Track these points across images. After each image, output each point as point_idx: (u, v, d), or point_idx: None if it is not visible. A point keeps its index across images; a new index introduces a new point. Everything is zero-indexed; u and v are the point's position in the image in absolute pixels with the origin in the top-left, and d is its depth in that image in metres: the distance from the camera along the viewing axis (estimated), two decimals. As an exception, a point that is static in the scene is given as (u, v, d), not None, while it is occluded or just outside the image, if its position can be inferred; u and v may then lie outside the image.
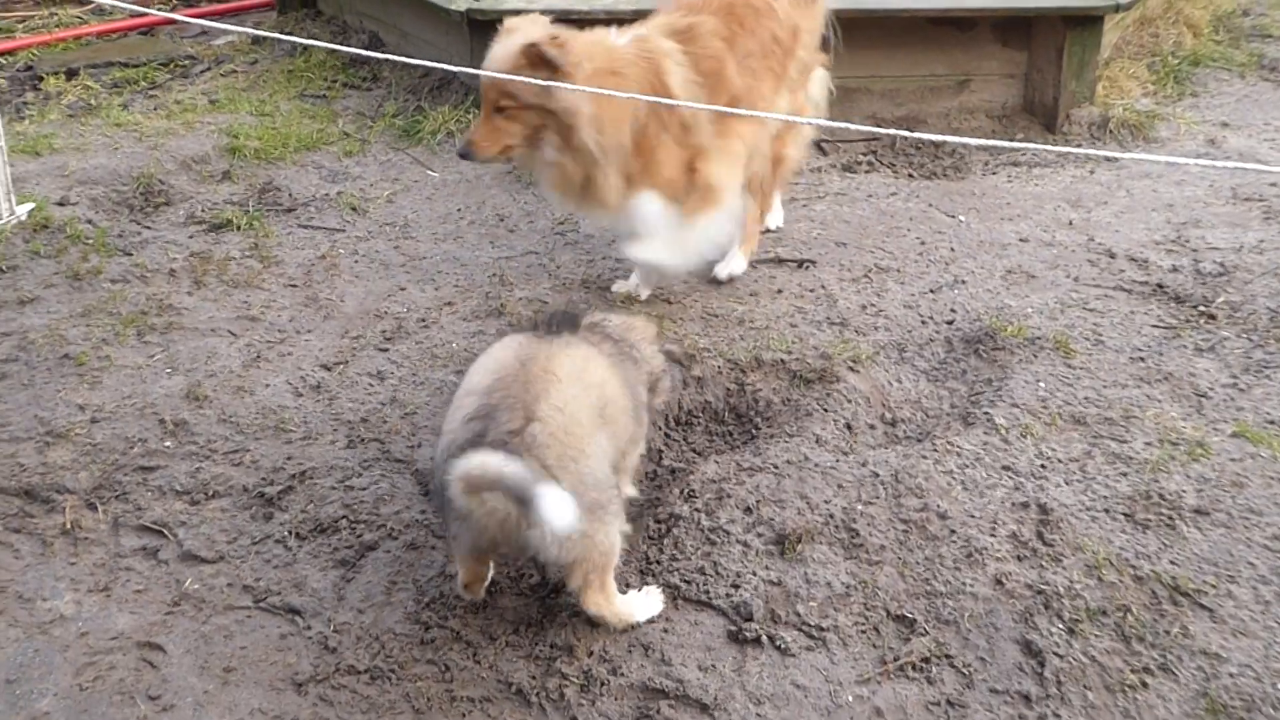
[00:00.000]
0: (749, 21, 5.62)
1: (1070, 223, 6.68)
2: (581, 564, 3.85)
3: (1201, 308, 5.78)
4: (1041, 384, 5.17)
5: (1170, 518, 4.46)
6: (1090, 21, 7.69)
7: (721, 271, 6.02)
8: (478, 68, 7.25)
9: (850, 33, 7.67)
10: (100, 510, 4.57)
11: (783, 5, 5.76)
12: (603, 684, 3.88)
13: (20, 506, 4.58)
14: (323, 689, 3.91)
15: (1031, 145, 5.86)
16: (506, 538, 3.74)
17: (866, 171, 7.36)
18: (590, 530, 3.76)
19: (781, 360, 5.31)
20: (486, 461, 3.53)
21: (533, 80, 5.01)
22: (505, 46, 5.21)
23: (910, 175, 7.34)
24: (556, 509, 3.51)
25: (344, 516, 4.54)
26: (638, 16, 7.28)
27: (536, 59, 5.07)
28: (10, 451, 4.81)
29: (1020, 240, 6.49)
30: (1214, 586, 4.19)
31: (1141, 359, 5.38)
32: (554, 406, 3.74)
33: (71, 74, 8.78)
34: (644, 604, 4.10)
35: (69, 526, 4.50)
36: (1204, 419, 4.99)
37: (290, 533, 4.49)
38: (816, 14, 6.09)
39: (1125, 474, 4.67)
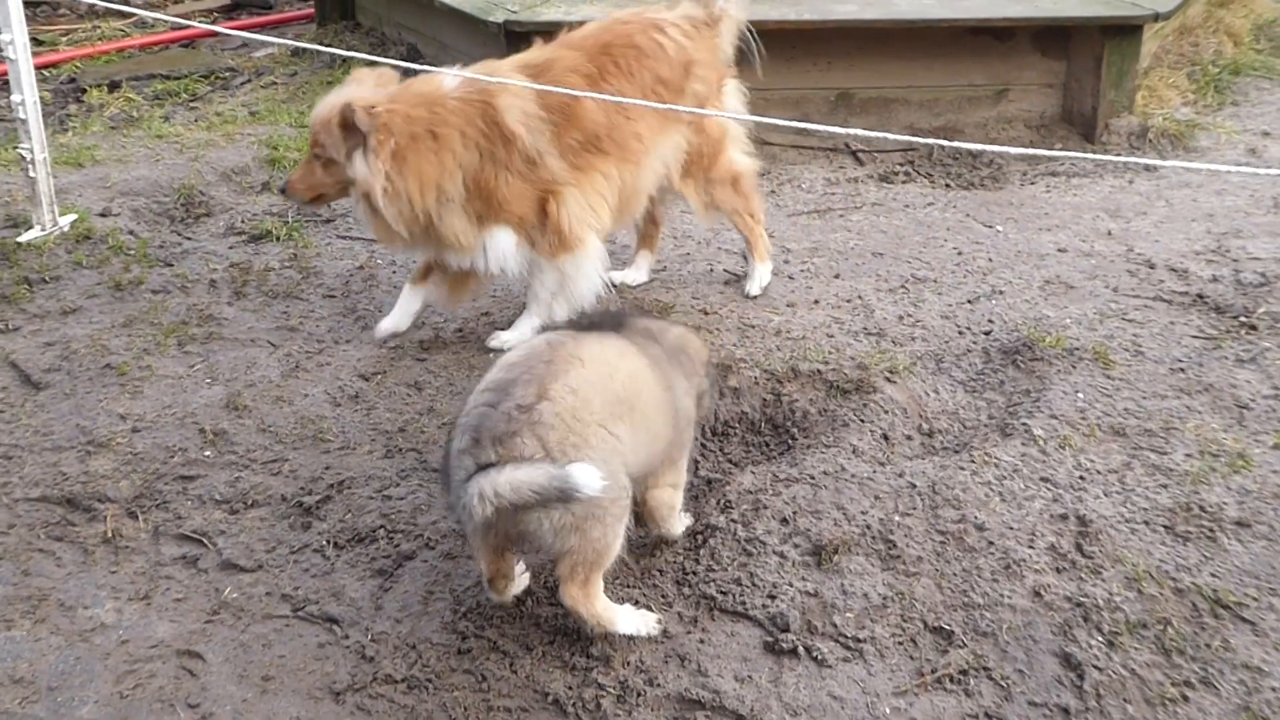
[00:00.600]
0: (628, 62, 5.48)
1: (1109, 233, 6.64)
2: (571, 555, 3.84)
3: (1242, 318, 5.74)
4: (1080, 395, 5.14)
5: (1211, 530, 4.42)
6: (1129, 31, 7.65)
7: (752, 288, 6.00)
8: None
9: (888, 43, 7.71)
10: (141, 519, 4.61)
11: (674, 43, 5.61)
12: (639, 694, 3.88)
13: (63, 515, 4.62)
14: (360, 698, 3.93)
15: (1068, 154, 5.87)
16: (505, 525, 3.76)
17: (904, 181, 7.34)
18: (584, 524, 3.76)
19: (818, 370, 5.30)
20: (515, 481, 3.53)
21: (334, 144, 5.12)
22: (334, 97, 5.21)
23: (947, 185, 7.32)
24: (591, 480, 3.53)
25: (381, 526, 4.56)
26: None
27: (346, 122, 5.05)
28: (53, 460, 4.86)
29: (1059, 250, 6.46)
30: (1255, 599, 4.16)
31: (1182, 370, 5.35)
32: (568, 388, 3.74)
33: (114, 86, 8.87)
34: (630, 618, 4.08)
35: (110, 535, 4.53)
36: (1245, 430, 4.95)
37: (328, 542, 4.51)
38: (716, 42, 5.89)
39: (1165, 485, 4.63)
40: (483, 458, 3.62)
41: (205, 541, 4.52)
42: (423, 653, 4.07)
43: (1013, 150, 4.83)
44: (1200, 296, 5.94)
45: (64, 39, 10.16)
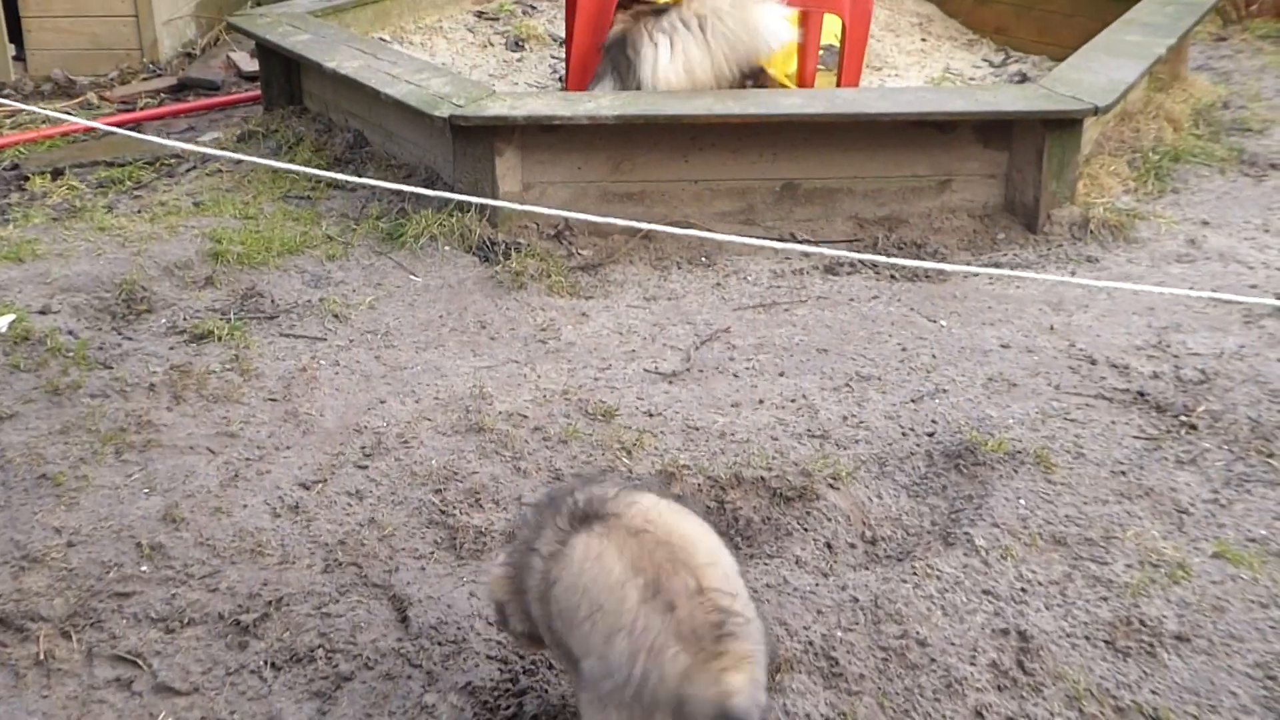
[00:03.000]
0: None
1: (1051, 327, 6.69)
2: None
3: (1183, 417, 5.78)
4: (1022, 501, 5.16)
5: (1151, 644, 4.43)
6: (1069, 124, 7.74)
7: None
8: (460, 169, 7.35)
9: (832, 135, 7.79)
10: (74, 639, 4.53)
11: None
12: (578, 826, 3.85)
13: (-6, 635, 4.54)
14: (295, 831, 3.87)
15: (1000, 271, 5.89)
16: None
17: (849, 273, 7.37)
18: None
19: (762, 477, 5.29)
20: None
21: None
22: None
23: (892, 277, 7.36)
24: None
25: (320, 645, 4.50)
26: (620, 123, 7.40)
27: None
28: (-15, 576, 4.79)
29: (1002, 346, 6.49)
30: (1195, 717, 4.16)
31: (1123, 473, 5.37)
32: (707, 551, 3.55)
33: (57, 174, 8.80)
34: None
35: (42, 657, 4.45)
36: (1185, 537, 4.98)
37: (265, 663, 4.45)
38: None
39: (1106, 598, 4.64)
40: (725, 677, 3.27)
41: (140, 663, 4.45)
42: (360, 781, 4.02)
43: (948, 267, 4.85)
44: (1141, 394, 5.99)
45: (8, 122, 10.08)
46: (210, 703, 4.30)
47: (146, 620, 4.62)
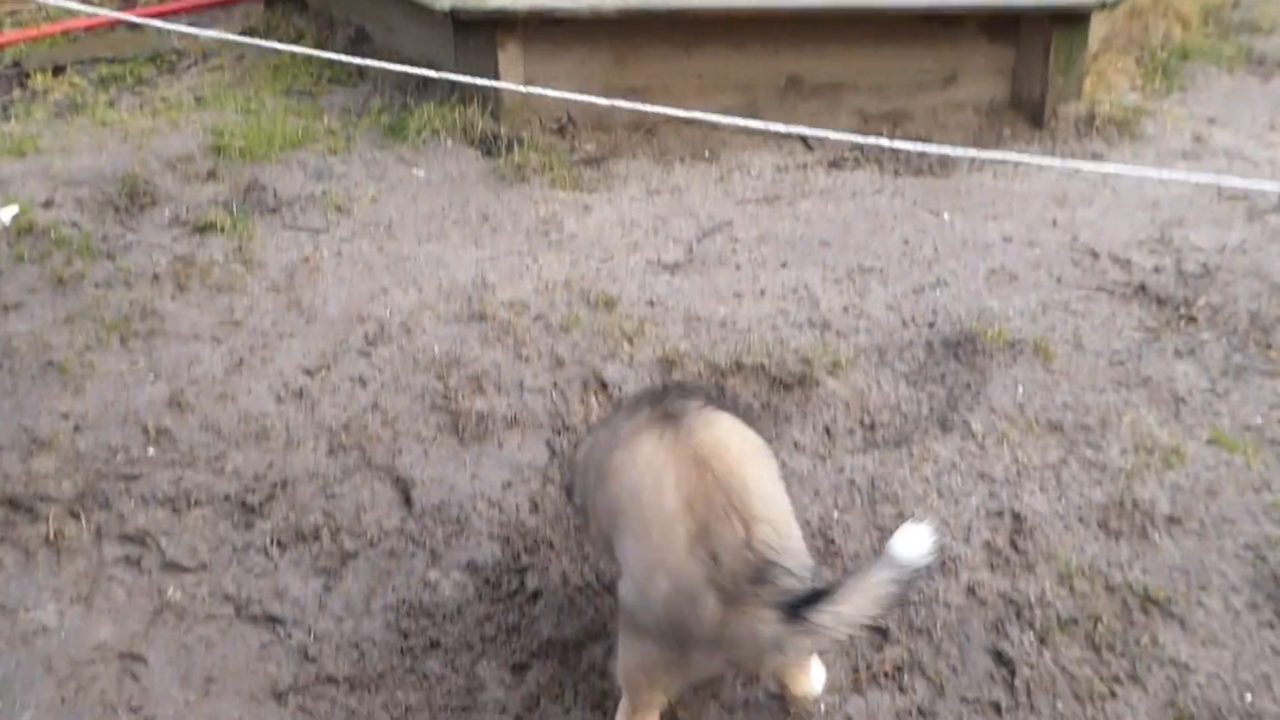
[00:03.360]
0: None
1: (1054, 221, 6.69)
2: (807, 654, 3.71)
3: (1183, 310, 5.80)
4: (1020, 388, 5.20)
5: (1143, 526, 4.49)
6: (1077, 19, 7.68)
7: None
8: (462, 64, 7.31)
9: (838, 29, 7.72)
10: (83, 519, 4.60)
11: None
12: (575, 691, 3.93)
13: (4, 516, 4.61)
14: (303, 699, 3.96)
15: (1011, 155, 5.89)
16: (756, 660, 3.52)
17: (853, 168, 7.36)
18: None
19: (762, 365, 5.33)
20: (860, 604, 3.22)
21: None
22: None
23: (896, 172, 7.34)
24: (923, 544, 3.26)
25: (325, 524, 4.57)
26: (622, 15, 7.35)
27: None
28: (-6, 459, 4.85)
29: (1004, 239, 6.50)
30: (1184, 596, 4.23)
31: (1121, 363, 5.41)
32: (763, 500, 3.47)
33: (59, 71, 8.77)
34: (819, 675, 3.94)
35: (52, 536, 4.53)
36: (1180, 425, 5.02)
37: (271, 541, 4.52)
38: None
39: (1099, 482, 4.70)
40: (765, 623, 3.26)
41: (148, 541, 4.52)
42: (365, 652, 4.10)
43: (953, 150, 4.85)
44: (1142, 287, 6.00)
45: (9, 19, 10.02)
46: (217, 579, 4.38)
47: (154, 501, 4.69)
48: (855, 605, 3.21)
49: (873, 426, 5.10)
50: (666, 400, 3.75)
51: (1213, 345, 5.53)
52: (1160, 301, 5.89)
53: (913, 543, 3.24)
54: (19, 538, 4.53)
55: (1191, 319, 5.73)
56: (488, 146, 7.40)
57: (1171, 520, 4.52)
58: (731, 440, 3.63)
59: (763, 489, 3.52)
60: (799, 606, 3.20)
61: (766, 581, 3.26)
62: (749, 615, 3.26)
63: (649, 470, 3.55)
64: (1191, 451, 4.85)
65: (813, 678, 3.89)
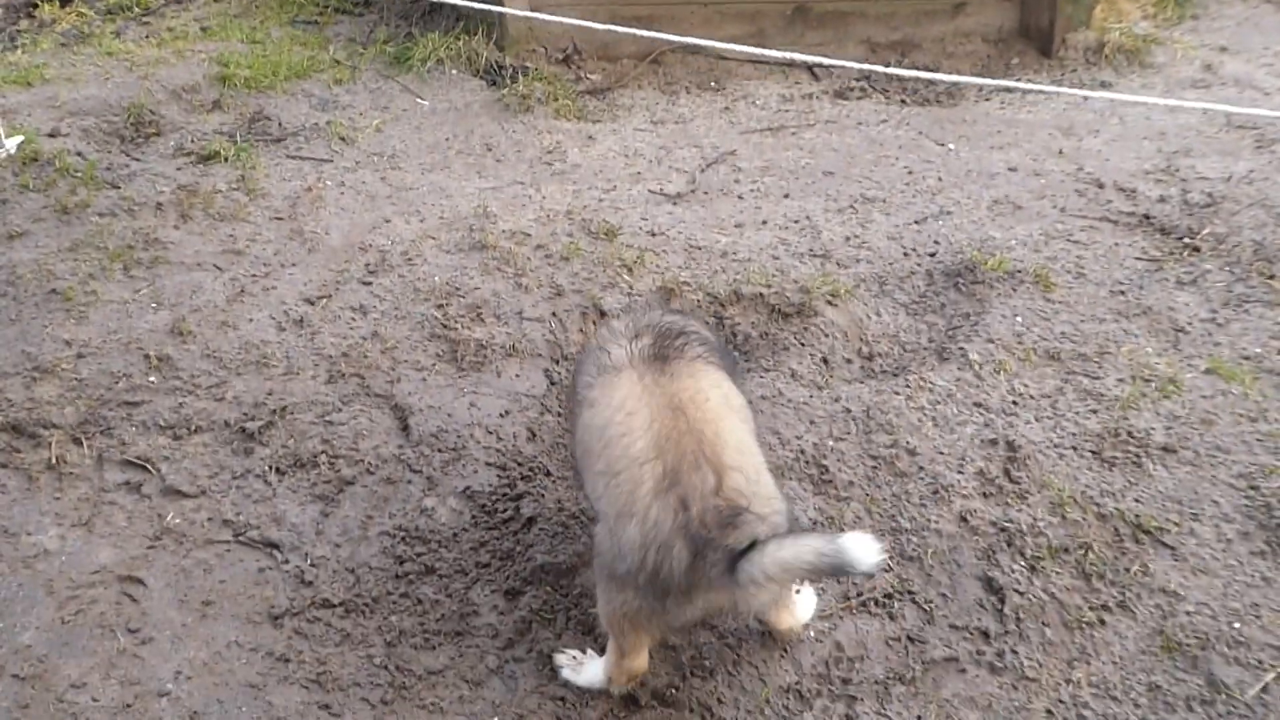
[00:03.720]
0: None
1: (1060, 151, 6.65)
2: (786, 594, 3.75)
3: (1186, 240, 5.78)
4: (1019, 318, 5.19)
5: (1137, 455, 4.50)
6: (1087, -55, 7.60)
7: None
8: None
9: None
10: (85, 445, 4.64)
11: None
12: (567, 616, 3.98)
13: (7, 442, 4.65)
14: (298, 622, 4.01)
15: (1019, 85, 5.84)
16: (733, 604, 3.49)
17: (859, 98, 7.32)
18: None
19: (761, 294, 5.33)
20: (785, 562, 3.19)
21: None
22: None
23: (902, 101, 7.30)
24: (869, 554, 3.16)
25: (323, 452, 4.61)
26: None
27: None
28: (-2, 386, 4.89)
29: (1009, 169, 6.47)
30: (1177, 525, 4.24)
31: (1122, 292, 5.39)
32: (736, 450, 3.47)
33: (65, 1, 8.74)
34: (807, 603, 4.02)
35: (54, 461, 4.57)
36: (1179, 354, 5.01)
37: (270, 468, 4.56)
38: None
39: (1095, 411, 4.70)
40: (715, 568, 3.27)
41: (148, 467, 4.56)
42: (361, 577, 4.14)
43: (964, 79, 4.81)
44: (1146, 217, 5.97)
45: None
46: (216, 504, 4.42)
47: (155, 428, 4.73)
48: (774, 559, 3.18)
49: (870, 356, 5.11)
50: (661, 341, 3.73)
51: (1215, 275, 5.50)
52: (1164, 231, 5.86)
53: (862, 548, 3.16)
54: (22, 463, 4.57)
55: (1195, 249, 5.70)
56: (492, 77, 7.37)
57: (1166, 449, 4.52)
58: (711, 392, 3.61)
59: (737, 440, 3.50)
60: (737, 559, 3.21)
61: (735, 527, 3.28)
62: (711, 568, 3.27)
63: (621, 411, 3.54)
64: (1189, 381, 4.85)
65: (799, 609, 3.93)
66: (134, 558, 4.22)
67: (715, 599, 3.40)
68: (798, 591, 3.97)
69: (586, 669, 3.79)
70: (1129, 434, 4.58)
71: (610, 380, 3.66)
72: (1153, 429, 4.61)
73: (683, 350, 3.70)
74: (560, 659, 3.87)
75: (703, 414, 3.48)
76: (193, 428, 4.73)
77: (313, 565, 4.19)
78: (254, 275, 5.53)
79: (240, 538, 4.31)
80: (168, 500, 4.45)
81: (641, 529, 3.34)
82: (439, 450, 4.62)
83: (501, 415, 4.78)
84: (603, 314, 5.24)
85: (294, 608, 4.05)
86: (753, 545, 3.20)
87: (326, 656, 3.91)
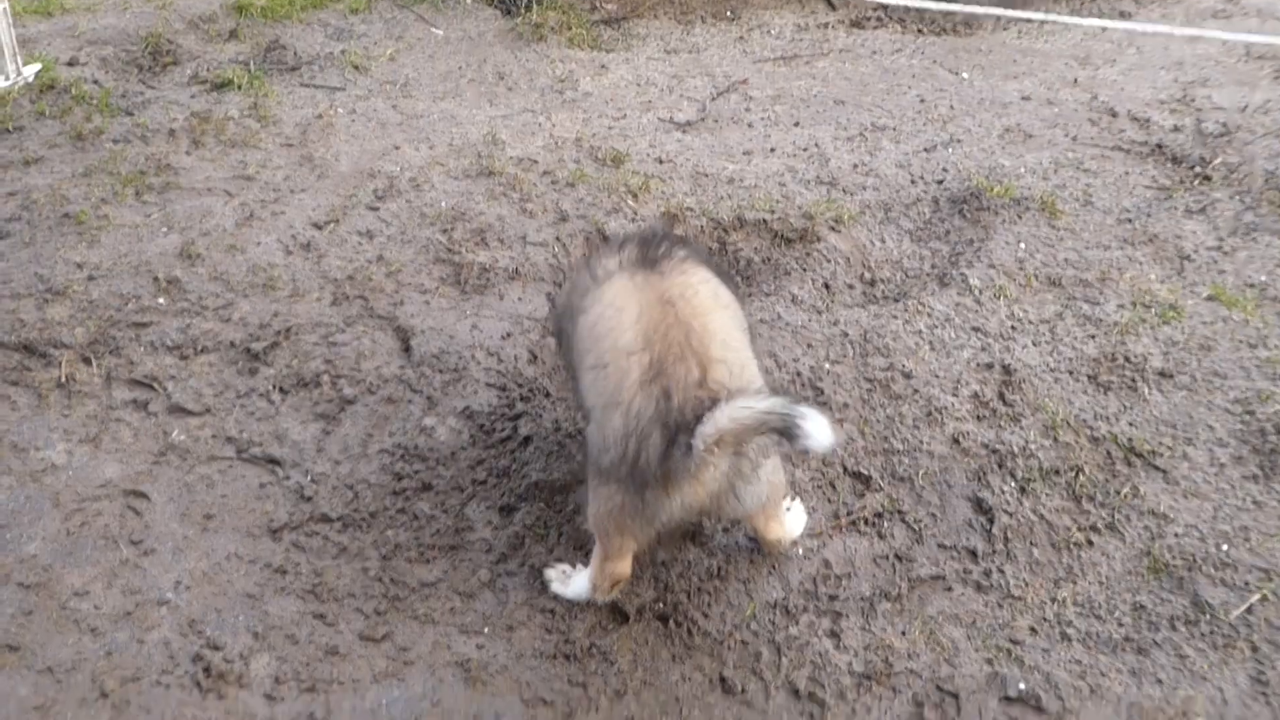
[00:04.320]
0: None
1: (1075, 81, 6.60)
2: (767, 504, 3.73)
3: (1198, 169, 5.74)
4: (1022, 245, 5.19)
5: (1133, 380, 4.50)
6: None
7: None
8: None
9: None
10: (94, 364, 4.72)
11: None
12: (560, 532, 4.04)
13: (19, 360, 4.74)
14: (297, 535, 4.08)
15: (1036, 15, 5.80)
16: (712, 503, 3.52)
17: (875, 27, 7.27)
18: (771, 470, 3.65)
19: (764, 220, 5.35)
20: (735, 413, 3.23)
21: None
22: None
23: (919, 31, 7.25)
24: (822, 432, 3.19)
25: (326, 371, 4.67)
26: None
27: None
28: (11, 307, 4.96)
29: (1022, 98, 6.43)
30: (1170, 449, 4.25)
31: (1129, 220, 5.37)
32: (723, 344, 3.50)
33: (86, -70, 8.77)
34: (797, 518, 4.06)
35: (63, 380, 4.65)
36: (1182, 281, 5.00)
37: (274, 387, 4.63)
38: None
39: (1094, 336, 4.70)
40: (680, 449, 3.31)
41: (155, 386, 4.64)
42: (360, 493, 4.21)
43: (981, 9, 4.78)
44: (1159, 146, 5.93)
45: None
46: (221, 422, 4.50)
47: (162, 348, 4.80)
48: (726, 412, 3.22)
49: (872, 282, 5.12)
50: (651, 245, 3.77)
51: (1225, 204, 5.47)
52: (1176, 160, 5.82)
53: (817, 425, 3.18)
54: (32, 381, 4.66)
55: (1206, 178, 5.67)
56: (506, 6, 7.37)
57: (1163, 375, 4.53)
58: (701, 288, 3.65)
59: (725, 334, 3.54)
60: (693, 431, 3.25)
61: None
62: (677, 450, 3.31)
63: (612, 307, 3.60)
64: (1190, 307, 4.84)
65: (789, 523, 3.97)
66: (139, 473, 4.30)
67: (693, 493, 3.43)
68: (788, 508, 4.02)
69: (574, 581, 3.86)
70: (1126, 359, 4.58)
71: (603, 284, 3.71)
72: (1150, 354, 4.61)
73: (670, 252, 3.74)
74: (550, 573, 3.93)
75: (692, 308, 3.52)
76: (199, 348, 4.80)
77: (313, 481, 4.27)
78: (263, 200, 5.58)
79: (243, 454, 4.39)
80: (173, 418, 4.53)
81: (625, 419, 3.40)
82: (440, 371, 4.68)
83: (503, 337, 4.82)
84: (605, 239, 5.27)
85: (293, 522, 4.13)
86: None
87: (323, 569, 3.99)
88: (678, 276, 3.64)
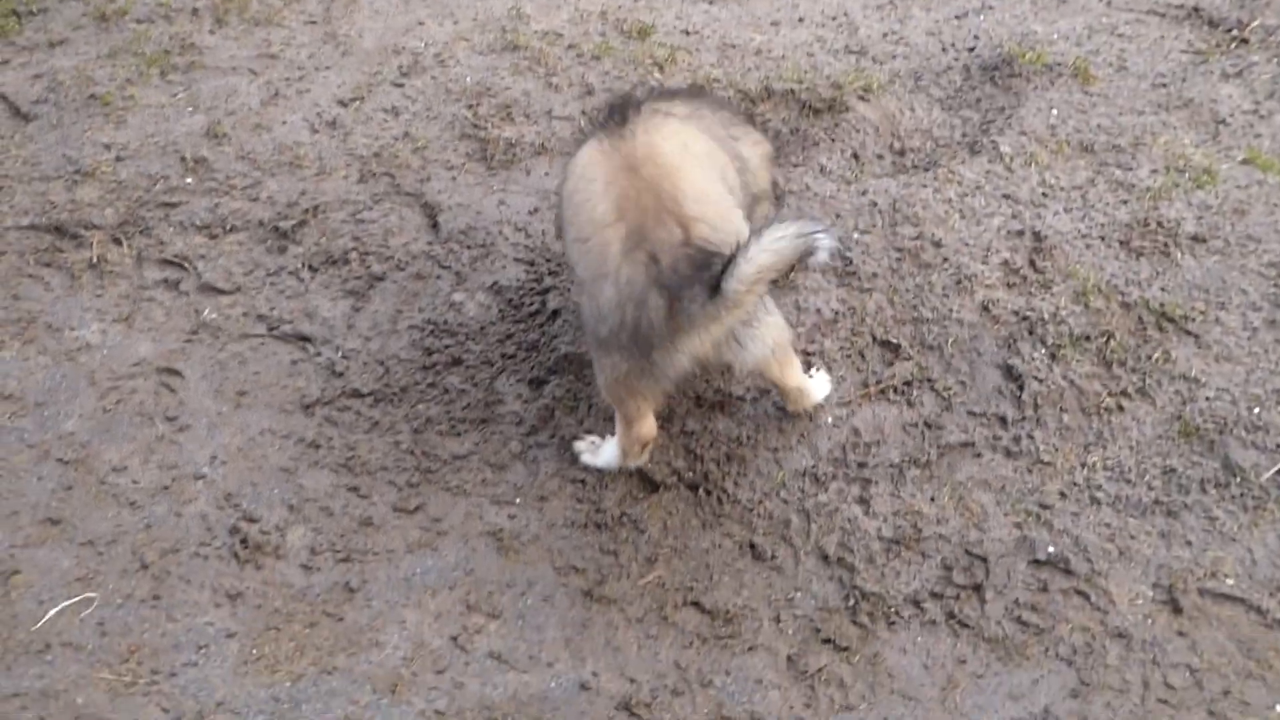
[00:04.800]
0: None
1: (1111, -57, 6.44)
2: (776, 350, 3.68)
3: (1235, 32, 5.61)
4: (1054, 111, 5.11)
5: (1166, 245, 4.46)
6: None
7: None
8: None
9: None
10: (125, 245, 4.75)
11: None
12: (589, 404, 4.07)
13: (51, 242, 4.77)
14: (328, 410, 4.13)
15: None
16: (717, 353, 3.53)
17: (908, -108, 7.10)
18: (771, 313, 3.63)
19: (792, 90, 5.28)
20: (770, 244, 3.21)
21: None
22: None
23: (955, -106, 7.07)
24: (832, 239, 3.28)
25: (354, 249, 4.68)
26: None
27: None
28: (42, 190, 4.98)
29: (1057, -38, 6.28)
30: (1202, 313, 4.23)
31: (1164, 85, 5.28)
32: (697, 200, 3.49)
33: None
34: (821, 384, 4.06)
35: (95, 261, 4.69)
36: (1217, 145, 4.92)
37: (303, 265, 4.65)
38: None
39: (1126, 201, 4.65)
40: (695, 302, 3.33)
41: (186, 265, 4.67)
42: (390, 368, 4.25)
43: None
44: (1195, 10, 5.80)
45: None
46: (251, 300, 4.53)
47: (191, 227, 4.82)
48: (764, 247, 3.23)
49: (902, 151, 5.07)
50: (618, 106, 3.75)
51: (1262, 67, 5.36)
52: (1213, 24, 5.70)
53: (830, 239, 3.28)
54: (65, 262, 4.69)
55: (1243, 40, 5.55)
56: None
57: (1196, 239, 4.48)
58: (667, 145, 3.62)
59: (696, 189, 3.52)
60: (718, 282, 3.27)
61: (710, 269, 3.31)
62: (690, 304, 3.34)
63: (583, 179, 3.61)
64: (1224, 171, 4.77)
65: (812, 385, 3.98)
66: (172, 351, 4.35)
67: (700, 343, 3.45)
68: (812, 376, 4.03)
69: (604, 450, 3.90)
70: (1159, 224, 4.54)
71: (575, 155, 3.75)
72: (1183, 218, 4.56)
73: (639, 108, 3.73)
74: (579, 445, 3.97)
75: (658, 169, 3.52)
76: (228, 227, 4.82)
77: (343, 357, 4.30)
78: (288, 79, 5.55)
79: (274, 332, 4.42)
80: (204, 296, 4.56)
81: (616, 288, 3.41)
82: (467, 247, 4.68)
83: (530, 212, 4.81)
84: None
85: (325, 397, 4.18)
86: (730, 262, 3.25)
87: (355, 443, 4.04)
88: (642, 137, 3.62)
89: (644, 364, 3.48)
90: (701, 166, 3.65)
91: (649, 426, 3.77)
